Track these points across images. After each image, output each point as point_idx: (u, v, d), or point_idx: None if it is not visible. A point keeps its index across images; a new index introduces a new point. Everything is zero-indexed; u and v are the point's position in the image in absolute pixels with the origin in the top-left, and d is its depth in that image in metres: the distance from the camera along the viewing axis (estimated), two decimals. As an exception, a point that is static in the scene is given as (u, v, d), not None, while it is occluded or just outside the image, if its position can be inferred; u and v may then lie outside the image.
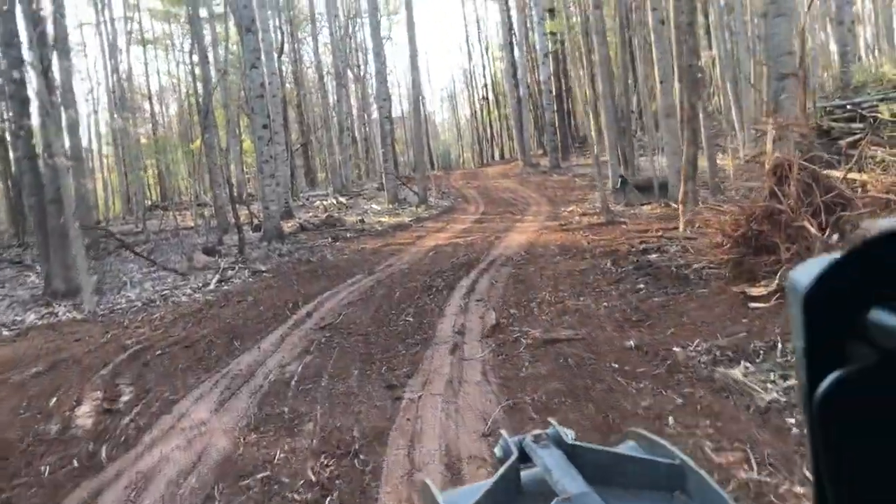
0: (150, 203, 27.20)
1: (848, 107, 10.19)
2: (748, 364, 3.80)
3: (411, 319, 6.17)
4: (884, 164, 7.81)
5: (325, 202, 20.71)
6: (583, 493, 0.62)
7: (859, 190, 6.15)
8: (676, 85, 10.73)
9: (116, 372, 5.47)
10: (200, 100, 17.19)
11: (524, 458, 0.72)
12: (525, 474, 0.71)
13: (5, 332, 7.85)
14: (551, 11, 24.95)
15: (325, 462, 3.48)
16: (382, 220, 16.17)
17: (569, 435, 0.73)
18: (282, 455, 3.60)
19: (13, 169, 15.69)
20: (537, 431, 0.74)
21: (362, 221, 15.79)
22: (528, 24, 29.88)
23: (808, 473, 2.32)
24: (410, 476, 3.24)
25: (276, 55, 22.43)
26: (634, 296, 5.93)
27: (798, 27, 7.55)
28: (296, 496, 3.18)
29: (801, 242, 4.97)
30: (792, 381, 3.46)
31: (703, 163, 10.98)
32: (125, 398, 4.85)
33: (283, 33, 27.41)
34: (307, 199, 22.79)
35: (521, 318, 5.75)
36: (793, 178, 5.09)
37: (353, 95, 31.84)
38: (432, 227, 14.39)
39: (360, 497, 3.14)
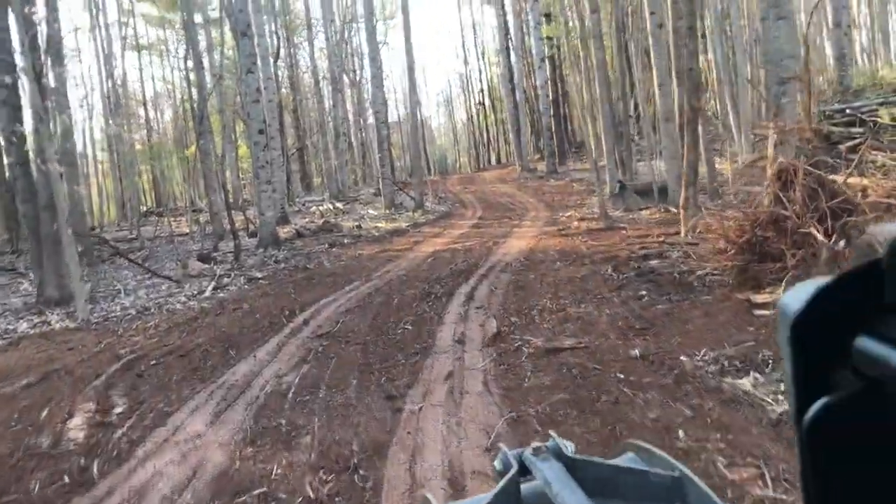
0: (144, 209, 27.12)
1: (847, 111, 10.16)
2: (757, 374, 3.71)
3: (410, 328, 6.07)
4: (884, 168, 7.76)
5: (321, 208, 20.61)
6: None
7: (859, 195, 6.09)
8: (675, 89, 10.69)
9: (110, 383, 5.35)
10: (195, 105, 17.08)
11: (524, 472, 0.71)
12: (525, 487, 0.70)
13: (-3, 342, 7.72)
14: (548, 16, 24.96)
15: (324, 477, 3.37)
16: (379, 225, 16.07)
17: (569, 447, 0.72)
18: (279, 470, 3.49)
19: (7, 175, 15.53)
20: (537, 444, 0.73)
21: (359, 227, 15.68)
22: (525, 29, 29.90)
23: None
24: (412, 492, 3.14)
25: (271, 60, 22.33)
26: (637, 303, 5.84)
27: (802, 31, 7.49)
28: (294, 514, 3.08)
29: (806, 249, 4.89)
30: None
31: (701, 167, 10.90)
32: (118, 410, 4.73)
33: (278, 38, 27.31)
34: (303, 205, 22.69)
35: (523, 327, 5.65)
36: (798, 184, 5.01)
37: (349, 100, 31.79)
38: (430, 232, 14.30)
39: (360, 515, 3.04)
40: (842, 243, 4.74)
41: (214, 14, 21.46)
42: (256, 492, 3.29)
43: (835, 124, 10.16)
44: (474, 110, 45.77)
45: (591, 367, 4.40)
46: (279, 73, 27.60)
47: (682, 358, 4.21)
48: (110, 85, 24.93)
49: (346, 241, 13.58)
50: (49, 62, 10.28)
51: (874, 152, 8.24)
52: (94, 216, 27.24)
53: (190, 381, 5.19)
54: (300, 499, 3.19)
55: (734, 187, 10.83)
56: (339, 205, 20.91)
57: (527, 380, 4.37)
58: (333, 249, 12.50)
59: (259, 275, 10.33)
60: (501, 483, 0.68)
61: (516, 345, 5.13)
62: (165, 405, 4.69)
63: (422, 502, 0.64)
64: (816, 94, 7.88)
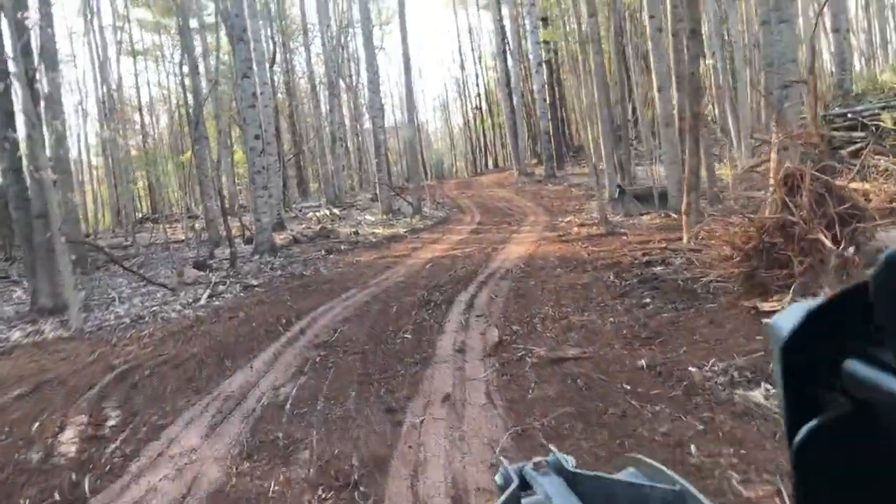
0: (140, 215, 26.98)
1: (849, 115, 10.06)
2: (769, 386, 3.60)
3: (409, 336, 5.95)
4: (887, 173, 7.67)
5: (318, 213, 20.49)
6: None
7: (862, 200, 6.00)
8: (674, 93, 10.61)
9: (103, 394, 5.23)
10: (191, 110, 16.99)
11: (525, 486, 0.71)
12: (526, 502, 0.70)
13: (-11, 351, 7.59)
14: (544, 20, 24.91)
15: (323, 495, 3.26)
16: (377, 231, 15.95)
17: (569, 462, 0.72)
18: (277, 487, 3.38)
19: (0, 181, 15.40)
20: (538, 459, 0.73)
21: (356, 233, 15.55)
22: (522, 34, 29.86)
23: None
24: (415, 510, 3.03)
25: (267, 65, 22.26)
26: (641, 311, 5.74)
27: (806, 34, 7.42)
28: (292, 534, 2.97)
29: (814, 255, 4.80)
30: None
31: (701, 172, 10.82)
32: (111, 423, 4.62)
33: (274, 43, 27.27)
34: (300, 211, 22.57)
35: (525, 335, 5.54)
36: (805, 189, 4.92)
37: (345, 105, 31.65)
38: (428, 238, 14.18)
39: (361, 535, 2.92)
40: (851, 250, 4.65)
41: (210, 19, 21.34)
42: (253, 510, 3.18)
43: (836, 128, 10.06)
44: (471, 114, 45.67)
45: (596, 377, 4.29)
46: (275, 78, 27.59)
47: (690, 368, 4.10)
48: (105, 90, 24.79)
49: (343, 247, 13.46)
50: (42, 68, 10.17)
51: (876, 157, 8.16)
52: (89, 223, 27.06)
53: (185, 393, 5.07)
54: (299, 518, 3.08)
55: (735, 192, 10.74)
56: (335, 210, 20.79)
57: (531, 391, 4.26)
58: (330, 256, 12.38)
59: (255, 282, 10.20)
60: (502, 498, 0.68)
61: (519, 354, 5.02)
62: (160, 417, 4.58)
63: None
64: (822, 98, 7.81)
